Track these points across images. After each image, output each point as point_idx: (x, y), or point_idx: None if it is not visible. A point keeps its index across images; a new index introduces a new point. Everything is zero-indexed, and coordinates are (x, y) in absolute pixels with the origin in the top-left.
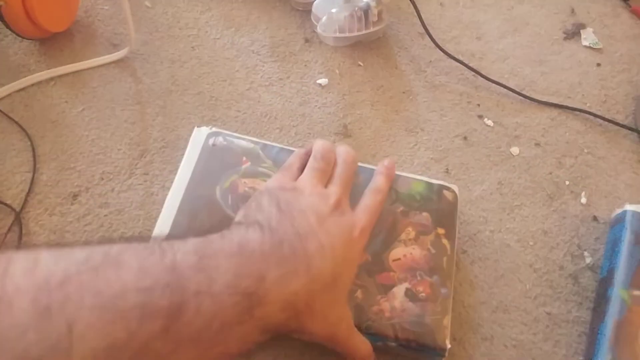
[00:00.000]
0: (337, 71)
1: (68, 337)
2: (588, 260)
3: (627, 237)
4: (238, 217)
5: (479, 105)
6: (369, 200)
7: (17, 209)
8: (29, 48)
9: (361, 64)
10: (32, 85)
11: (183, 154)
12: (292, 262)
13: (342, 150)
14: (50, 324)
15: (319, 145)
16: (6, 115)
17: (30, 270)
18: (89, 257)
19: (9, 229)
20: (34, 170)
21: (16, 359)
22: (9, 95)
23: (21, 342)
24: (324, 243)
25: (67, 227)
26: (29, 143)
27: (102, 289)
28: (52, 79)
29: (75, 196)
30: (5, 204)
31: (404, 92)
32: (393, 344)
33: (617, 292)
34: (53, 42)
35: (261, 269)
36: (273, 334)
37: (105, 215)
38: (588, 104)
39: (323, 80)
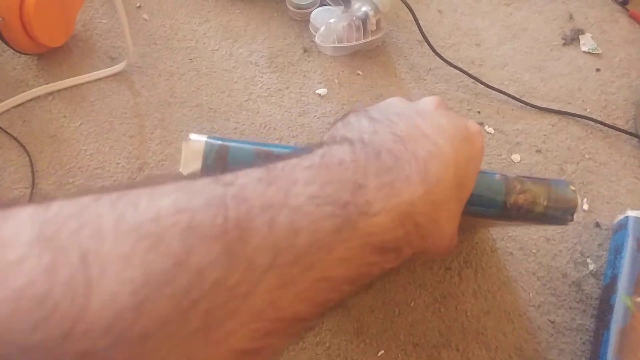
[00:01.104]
0: (336, 81)
1: (83, 268)
2: (591, 267)
3: (629, 244)
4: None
5: (479, 112)
6: None
7: None
8: (27, 63)
9: (360, 73)
10: (31, 100)
11: None
12: (399, 169)
13: None
14: (56, 256)
15: None
16: (4, 131)
17: (39, 210)
18: (108, 194)
19: None
20: (33, 185)
21: (15, 294)
22: (8, 110)
23: (20, 276)
24: (437, 142)
25: None
26: (27, 158)
27: (127, 214)
28: (50, 93)
29: None
30: None
31: None
32: (519, 200)
33: (621, 299)
34: (51, 57)
35: (357, 178)
36: (395, 256)
37: None
38: (588, 110)
39: (322, 90)
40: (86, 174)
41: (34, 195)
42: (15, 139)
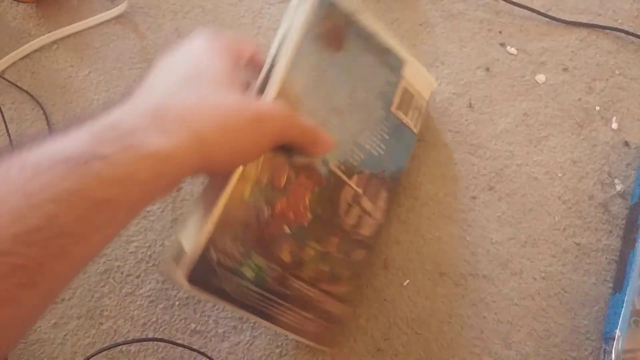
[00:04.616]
0: None
1: None
2: (619, 187)
3: None
4: None
5: (500, 32)
6: None
7: None
8: (27, 12)
9: None
10: (36, 51)
11: None
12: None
13: None
14: None
15: None
16: (14, 84)
17: None
18: None
19: None
20: None
21: None
22: (14, 63)
23: None
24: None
25: None
26: (41, 112)
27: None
28: (54, 42)
29: None
30: None
31: (420, 24)
32: None
33: None
34: (50, 3)
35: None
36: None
37: None
38: (619, 21)
39: None
40: None
41: None
42: (26, 92)
